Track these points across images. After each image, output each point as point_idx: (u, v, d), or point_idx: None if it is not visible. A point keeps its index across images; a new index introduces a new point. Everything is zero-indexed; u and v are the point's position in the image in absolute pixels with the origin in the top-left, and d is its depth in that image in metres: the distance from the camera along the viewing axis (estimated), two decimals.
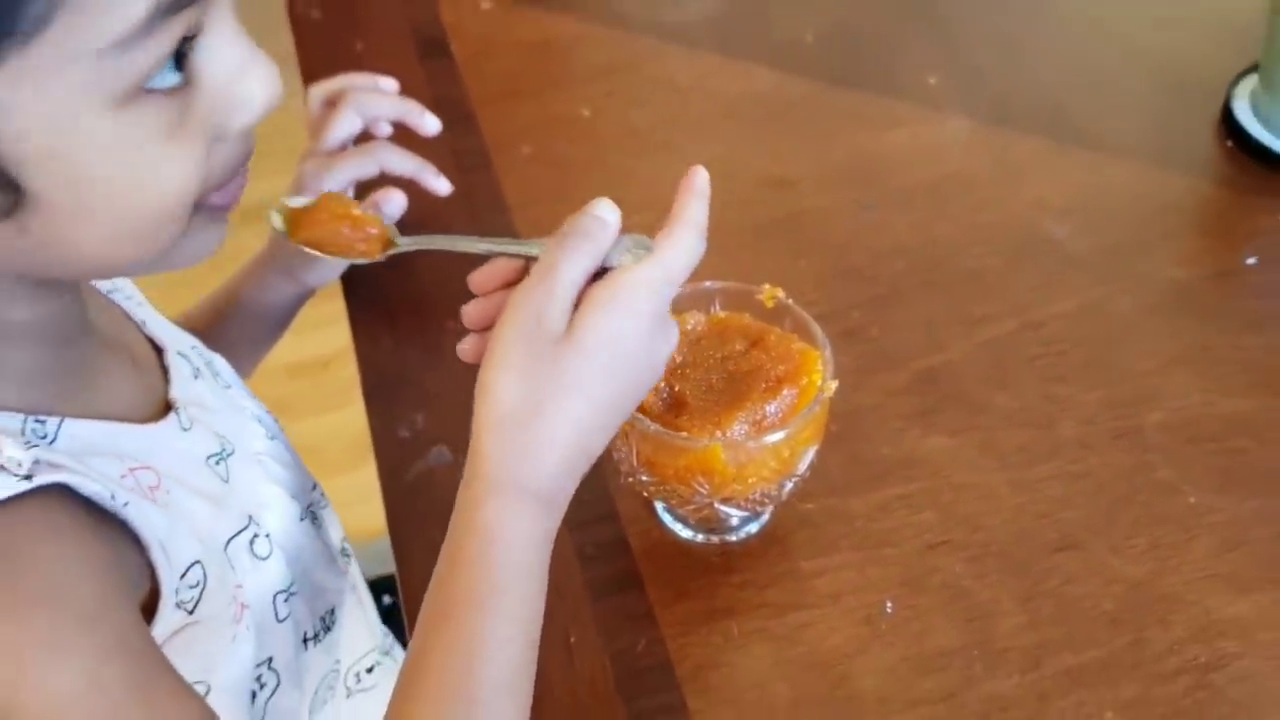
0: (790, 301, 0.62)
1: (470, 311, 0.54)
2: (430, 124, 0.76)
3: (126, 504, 0.48)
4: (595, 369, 0.49)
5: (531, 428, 0.49)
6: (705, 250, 0.52)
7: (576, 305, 0.50)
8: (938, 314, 0.76)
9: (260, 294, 0.77)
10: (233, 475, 0.59)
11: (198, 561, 0.53)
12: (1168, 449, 0.68)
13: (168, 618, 0.51)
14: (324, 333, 1.08)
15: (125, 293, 0.64)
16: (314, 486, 0.70)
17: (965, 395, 0.71)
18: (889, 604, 0.62)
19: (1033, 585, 0.63)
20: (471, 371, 0.73)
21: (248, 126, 0.45)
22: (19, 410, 0.48)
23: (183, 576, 0.52)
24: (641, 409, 0.58)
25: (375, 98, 0.75)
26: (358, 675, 0.72)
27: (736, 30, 0.99)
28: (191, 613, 0.52)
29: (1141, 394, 0.71)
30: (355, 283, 0.78)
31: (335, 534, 0.71)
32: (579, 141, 0.90)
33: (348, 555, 0.73)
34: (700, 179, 0.52)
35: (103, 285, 0.62)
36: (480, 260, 0.55)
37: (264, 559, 0.58)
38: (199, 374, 0.63)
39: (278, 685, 0.61)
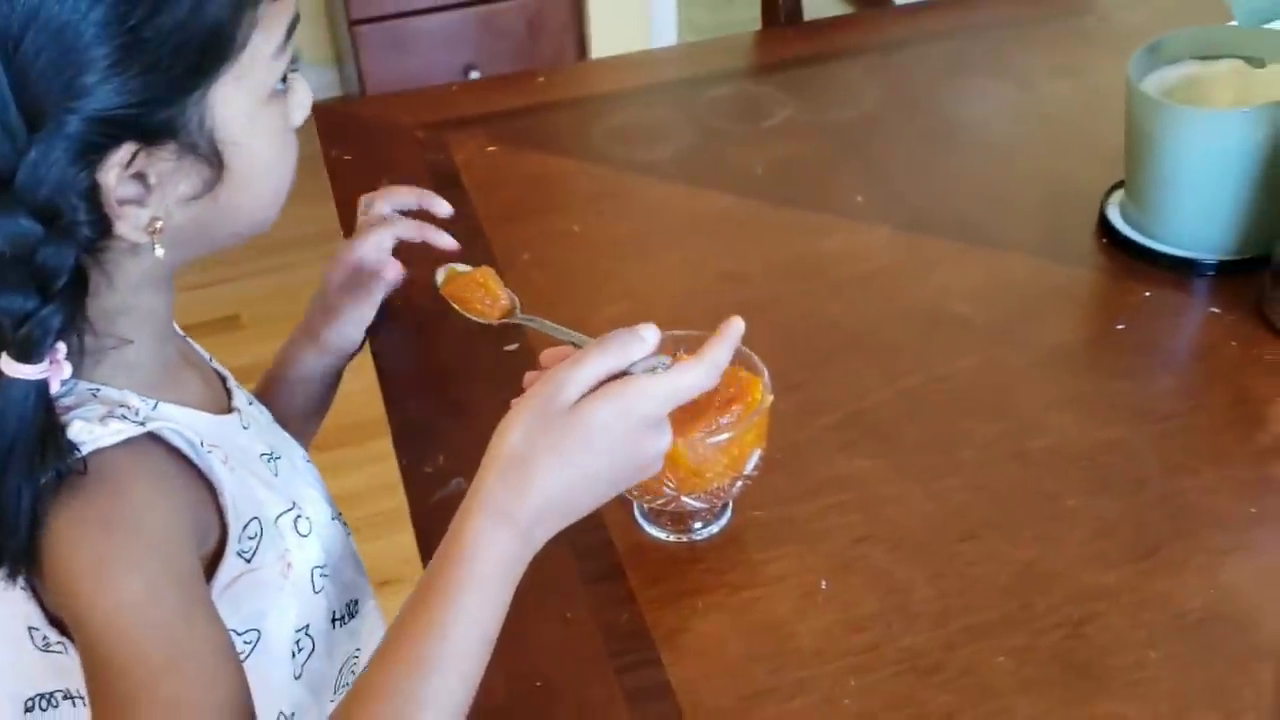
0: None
1: (529, 377, 0.70)
2: (441, 207, 0.95)
3: (210, 452, 0.64)
4: (583, 443, 0.62)
5: (522, 470, 0.62)
6: (716, 380, 0.66)
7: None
8: (862, 372, 0.93)
9: (296, 368, 0.93)
10: (280, 473, 0.74)
11: (255, 518, 0.68)
12: (1051, 466, 0.84)
13: (231, 564, 0.66)
14: None
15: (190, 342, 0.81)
16: (339, 514, 0.85)
17: (884, 429, 0.87)
18: (824, 583, 0.77)
19: (941, 567, 0.77)
20: (480, 422, 0.90)
21: (301, 121, 0.67)
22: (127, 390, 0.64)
23: (244, 528, 0.67)
24: None
25: (401, 191, 0.96)
26: None
27: (698, 165, 1.19)
28: (249, 561, 0.67)
29: (1029, 426, 0.87)
30: (383, 351, 0.95)
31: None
32: (571, 250, 1.08)
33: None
34: (735, 328, 0.67)
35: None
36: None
37: (305, 536, 0.73)
38: (252, 403, 0.79)
39: (312, 650, 0.74)
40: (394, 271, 0.91)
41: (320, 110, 1.29)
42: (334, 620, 0.78)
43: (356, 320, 0.91)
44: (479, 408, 0.90)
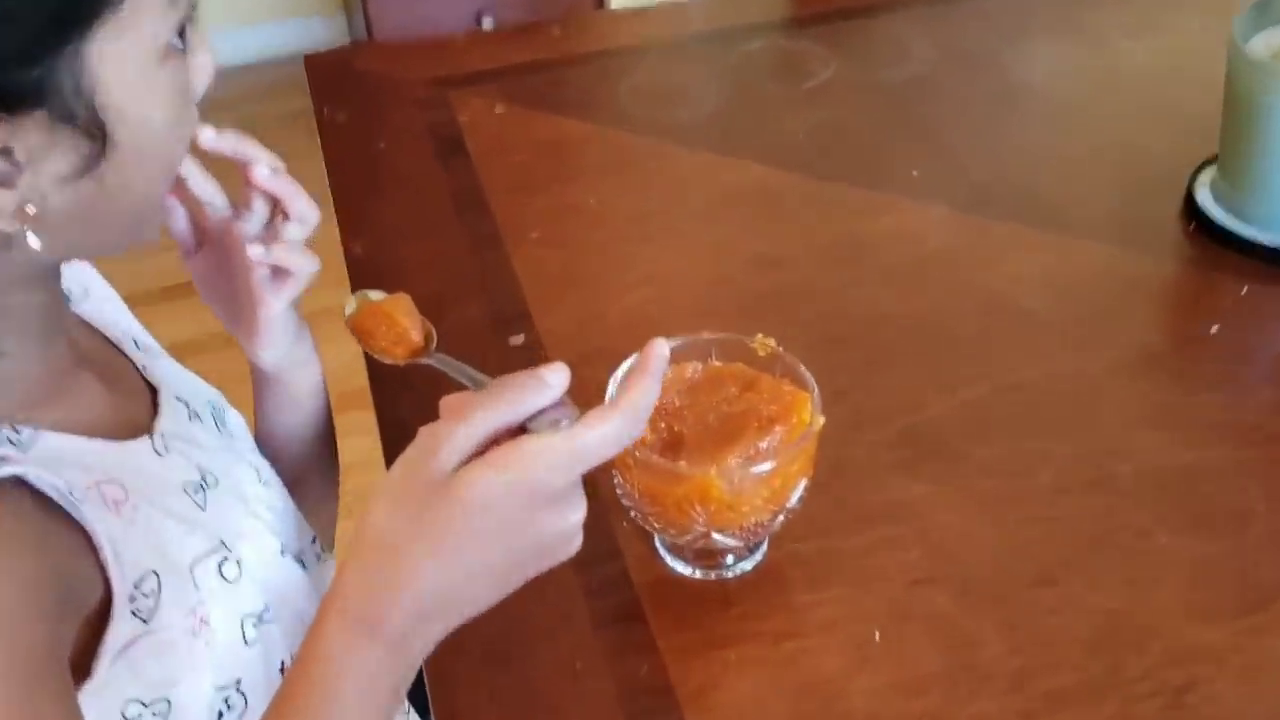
0: (781, 349, 0.67)
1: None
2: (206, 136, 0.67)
3: (83, 502, 0.52)
4: (465, 524, 0.48)
5: (387, 565, 0.48)
6: (642, 429, 0.51)
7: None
8: (918, 377, 0.81)
9: (260, 404, 0.77)
10: (210, 505, 0.62)
11: (154, 572, 0.56)
12: (1139, 495, 0.73)
13: (122, 624, 0.54)
14: None
15: (144, 342, 0.70)
16: (313, 539, 0.74)
17: (946, 448, 0.76)
18: (877, 634, 0.66)
19: (1013, 616, 0.66)
20: None
21: (204, 89, 0.56)
22: None
23: (136, 585, 0.55)
24: (641, 446, 0.63)
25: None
26: None
27: (731, 129, 1.07)
28: (146, 622, 0.56)
29: (1113, 447, 0.76)
30: (381, 386, 0.83)
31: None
32: (586, 228, 0.97)
33: None
34: (656, 358, 0.52)
35: (112, 332, 0.68)
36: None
37: (232, 582, 0.62)
38: (196, 417, 0.67)
39: (245, 707, 0.63)
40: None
41: (312, 62, 1.17)
42: (283, 669, 0.67)
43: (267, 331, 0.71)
44: None
